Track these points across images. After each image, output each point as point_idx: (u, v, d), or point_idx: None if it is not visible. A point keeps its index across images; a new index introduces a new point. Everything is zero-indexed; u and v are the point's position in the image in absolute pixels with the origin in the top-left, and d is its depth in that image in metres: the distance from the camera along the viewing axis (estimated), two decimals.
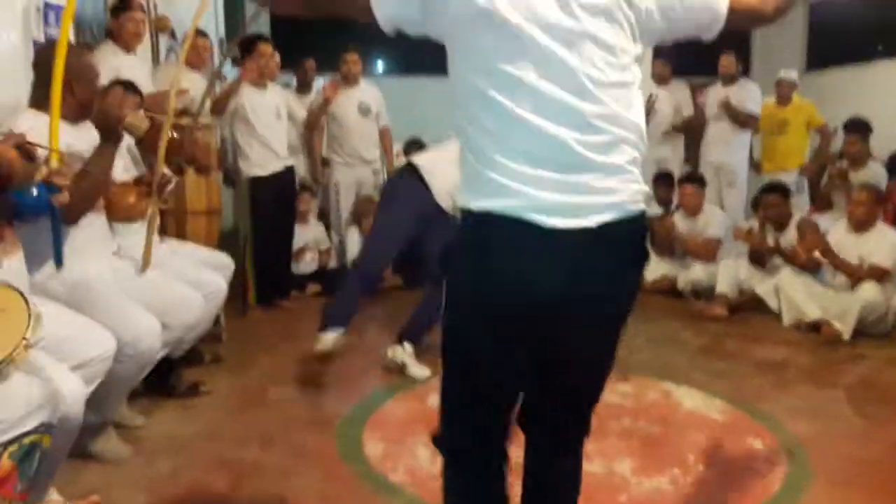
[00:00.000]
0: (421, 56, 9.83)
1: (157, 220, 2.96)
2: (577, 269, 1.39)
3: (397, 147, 5.90)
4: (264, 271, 4.64)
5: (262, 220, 4.60)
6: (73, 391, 1.94)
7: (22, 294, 1.86)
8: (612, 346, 1.55)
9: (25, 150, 2.07)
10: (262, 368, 3.54)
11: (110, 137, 2.49)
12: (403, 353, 3.49)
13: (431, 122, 8.09)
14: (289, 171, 4.75)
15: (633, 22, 1.41)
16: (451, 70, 1.46)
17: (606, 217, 1.39)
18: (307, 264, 5.15)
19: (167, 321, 2.67)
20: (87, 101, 2.68)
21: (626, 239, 1.45)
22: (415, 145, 5.90)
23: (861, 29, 8.17)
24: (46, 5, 3.30)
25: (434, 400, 3.11)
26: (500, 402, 1.53)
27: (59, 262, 2.30)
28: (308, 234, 5.16)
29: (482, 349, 1.46)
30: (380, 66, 9.98)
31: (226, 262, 3.37)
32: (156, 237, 3.08)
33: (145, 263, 2.81)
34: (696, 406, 3.14)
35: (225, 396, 3.16)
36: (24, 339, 1.75)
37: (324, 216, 5.50)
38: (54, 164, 2.14)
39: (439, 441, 1.58)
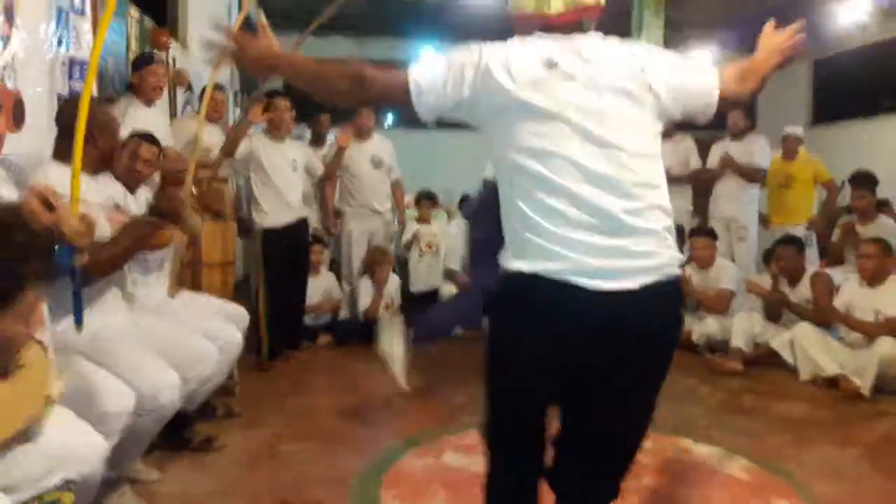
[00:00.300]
0: None
1: (182, 253, 2.98)
2: (618, 329, 1.52)
3: (408, 198, 5.96)
4: (275, 324, 4.61)
5: (274, 272, 4.60)
6: (95, 447, 1.91)
7: (43, 347, 1.84)
8: (648, 401, 1.65)
9: (46, 202, 2.07)
10: (274, 422, 3.49)
11: (172, 219, 2.53)
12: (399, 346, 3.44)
13: (440, 174, 8.28)
14: (302, 223, 4.78)
15: (652, 103, 1.62)
16: (494, 149, 1.64)
17: (647, 279, 1.52)
18: (318, 316, 5.13)
19: (184, 374, 2.64)
20: (108, 152, 2.72)
21: (665, 301, 1.57)
22: (426, 197, 5.98)
23: (865, 84, 8.31)
24: (71, 61, 3.37)
25: (449, 458, 3.09)
26: (532, 434, 1.67)
27: (78, 322, 2.30)
28: (319, 284, 5.16)
29: (520, 388, 1.62)
30: (390, 119, 10.17)
31: (241, 313, 3.36)
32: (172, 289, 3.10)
33: (173, 291, 2.80)
34: (718, 464, 3.08)
35: (238, 451, 3.11)
36: (46, 396, 1.74)
37: (334, 267, 5.51)
38: (74, 222, 2.15)
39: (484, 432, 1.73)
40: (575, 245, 1.51)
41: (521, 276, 1.55)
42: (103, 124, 2.68)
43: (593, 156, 1.54)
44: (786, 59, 1.86)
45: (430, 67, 1.64)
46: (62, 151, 2.56)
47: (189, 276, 3.66)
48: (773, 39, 1.84)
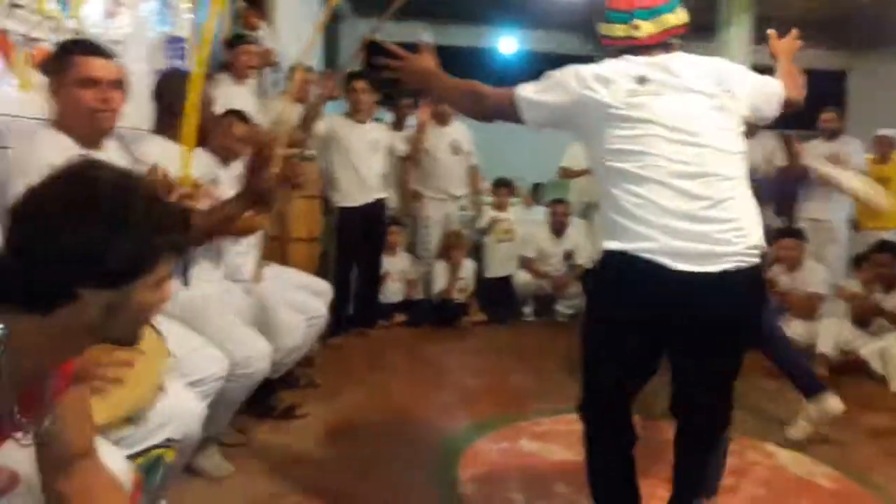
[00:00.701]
0: None
1: (266, 237, 3.04)
2: (697, 306, 1.77)
3: (485, 185, 5.97)
4: (343, 302, 4.64)
5: (349, 250, 4.67)
6: (195, 408, 1.99)
7: (161, 335, 1.92)
8: (737, 347, 1.93)
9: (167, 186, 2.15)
10: (354, 396, 3.56)
11: (261, 203, 2.56)
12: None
13: (516, 162, 8.23)
14: (379, 204, 4.82)
15: (732, 107, 1.88)
16: (591, 151, 1.92)
17: (726, 266, 1.75)
18: (394, 294, 5.20)
19: (272, 343, 2.72)
20: (203, 127, 2.79)
21: (741, 286, 1.79)
22: (503, 184, 5.97)
23: None
24: (171, 39, 3.48)
25: (524, 444, 3.09)
26: (625, 383, 1.93)
27: (186, 282, 2.37)
28: (396, 265, 5.23)
29: (614, 343, 1.87)
30: None
31: (326, 287, 3.43)
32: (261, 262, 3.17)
33: (257, 277, 2.87)
34: (803, 471, 2.98)
35: (319, 421, 3.19)
36: (158, 385, 1.81)
37: (410, 248, 5.56)
38: (186, 188, 2.22)
39: (582, 409, 1.98)
40: (662, 229, 1.75)
41: (615, 254, 1.81)
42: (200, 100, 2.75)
43: (679, 153, 1.78)
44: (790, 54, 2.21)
45: (534, 87, 1.93)
46: (162, 126, 2.64)
47: (277, 251, 3.75)
48: (782, 45, 2.25)
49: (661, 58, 1.87)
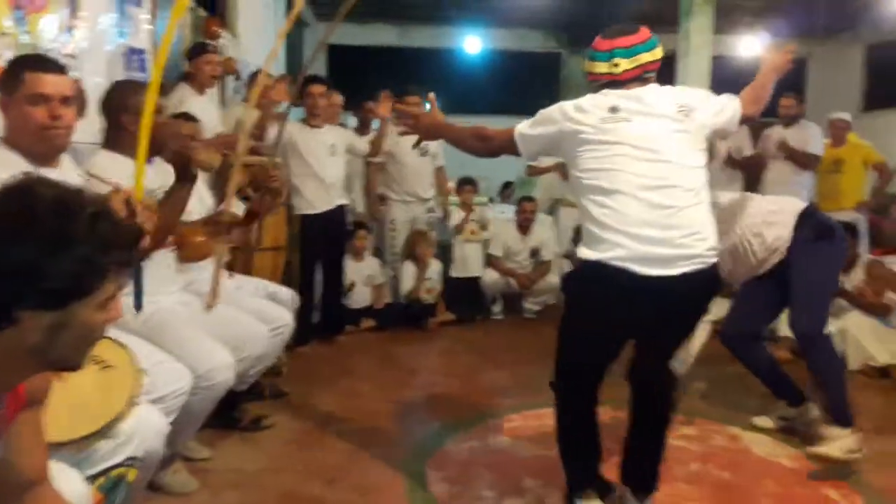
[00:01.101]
0: (473, 97, 10.07)
1: (225, 260, 3.02)
2: (660, 304, 2.07)
3: (450, 185, 5.98)
4: (308, 310, 4.62)
5: (312, 257, 4.65)
6: (157, 425, 1.97)
7: (129, 351, 1.91)
8: (688, 331, 2.33)
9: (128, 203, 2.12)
10: (321, 403, 3.55)
11: (185, 176, 2.54)
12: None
13: (478, 161, 8.25)
14: (340, 210, 4.80)
15: (694, 127, 2.16)
16: (571, 171, 2.22)
17: (686, 268, 2.04)
18: (361, 299, 5.19)
19: (236, 354, 2.70)
20: (156, 137, 2.75)
21: (699, 284, 2.09)
22: (467, 183, 5.98)
23: None
24: (131, 50, 3.46)
25: (494, 441, 3.12)
26: (598, 357, 2.22)
27: (139, 306, 2.36)
28: (363, 269, 5.21)
29: (592, 333, 2.18)
30: (432, 106, 10.15)
31: (290, 296, 3.43)
32: (224, 273, 3.16)
33: (211, 301, 2.85)
34: (767, 452, 3.05)
35: (287, 431, 3.18)
36: (132, 398, 1.81)
37: (377, 253, 5.56)
38: (138, 207, 2.20)
39: (556, 385, 2.28)
40: (630, 236, 2.03)
41: (590, 263, 2.09)
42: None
43: (645, 169, 2.06)
44: (782, 74, 2.51)
45: (528, 123, 2.26)
46: (111, 139, 2.57)
47: (241, 260, 3.73)
48: (773, 58, 2.51)
49: (635, 90, 2.15)
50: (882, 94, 8.89)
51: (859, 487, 2.70)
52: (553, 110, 2.21)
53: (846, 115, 6.06)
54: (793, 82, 8.77)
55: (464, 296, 5.61)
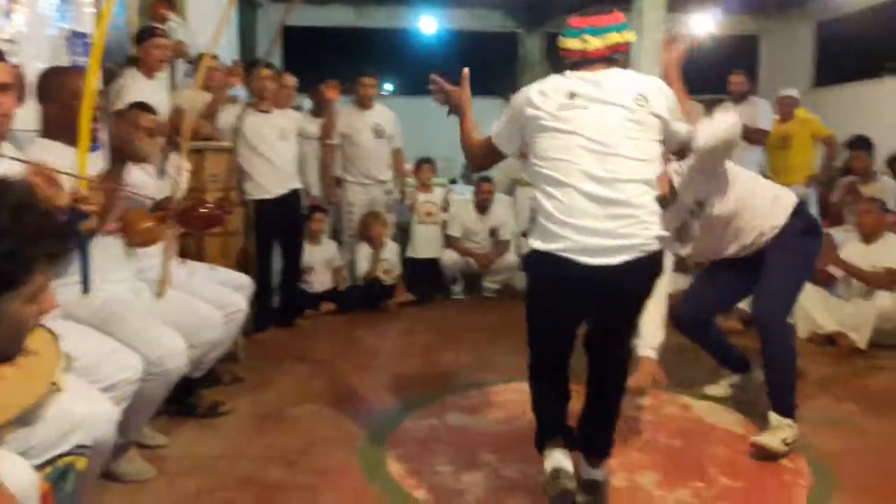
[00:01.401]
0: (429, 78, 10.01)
1: (174, 246, 2.99)
2: (604, 290, 2.15)
3: (408, 166, 5.97)
4: (266, 295, 4.61)
5: (268, 243, 4.62)
6: (106, 413, 1.96)
7: (54, 335, 1.88)
8: (636, 313, 2.32)
9: (48, 177, 2.08)
10: (280, 388, 3.55)
11: (120, 161, 2.50)
12: None
13: (439, 141, 8.23)
14: (294, 194, 4.77)
15: (649, 118, 2.17)
16: (530, 156, 2.25)
17: (628, 256, 2.09)
18: (320, 283, 5.18)
19: (189, 340, 2.68)
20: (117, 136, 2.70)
21: (641, 271, 2.15)
22: (425, 163, 5.99)
23: (868, 46, 8.22)
24: (74, 34, 3.37)
25: (452, 418, 3.16)
26: (556, 338, 2.31)
27: (86, 289, 2.32)
28: (321, 253, 5.19)
29: (547, 316, 2.28)
30: (392, 86, 10.11)
31: (245, 281, 3.40)
32: (175, 260, 3.13)
33: (161, 288, 2.83)
34: (717, 420, 3.14)
35: (245, 416, 3.18)
36: (52, 383, 1.78)
37: (335, 236, 5.54)
38: (83, 190, 2.17)
39: (529, 367, 2.37)
40: (576, 228, 2.09)
41: (539, 253, 2.17)
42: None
43: (595, 160, 2.10)
44: (678, 65, 2.58)
45: (499, 122, 2.35)
46: (49, 127, 2.50)
47: (193, 246, 3.69)
48: (665, 55, 2.63)
49: (596, 74, 2.19)
50: (832, 70, 9.07)
51: (803, 450, 2.79)
52: (518, 97, 2.27)
53: (794, 92, 6.19)
54: (745, 60, 8.95)
55: (423, 277, 5.63)
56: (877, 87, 8.07)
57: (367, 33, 10.11)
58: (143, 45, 4.12)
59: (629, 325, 2.35)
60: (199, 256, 3.66)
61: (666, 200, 2.77)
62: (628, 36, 2.25)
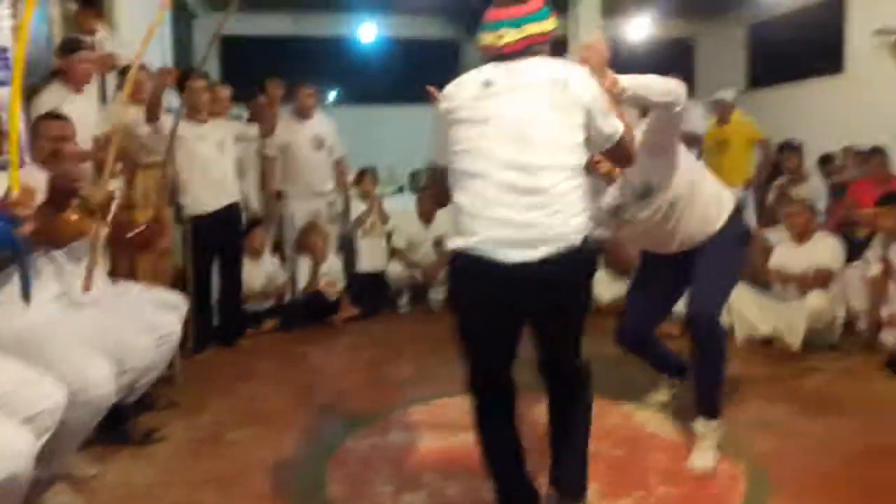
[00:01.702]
0: (373, 87, 9.97)
1: (101, 239, 2.87)
2: (526, 289, 1.99)
3: (350, 177, 5.90)
4: (205, 314, 4.51)
5: (205, 260, 4.50)
6: (19, 446, 1.87)
7: None
8: (573, 318, 2.15)
9: None
10: (217, 411, 3.46)
11: (60, 204, 2.43)
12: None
13: (385, 150, 8.20)
14: (232, 208, 4.65)
15: (570, 105, 2.03)
16: (449, 155, 2.11)
17: (549, 249, 1.95)
18: (262, 299, 5.07)
19: (119, 366, 2.59)
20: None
21: (565, 265, 1.99)
22: (368, 173, 5.92)
23: (799, 48, 8.48)
24: None
25: (394, 436, 3.12)
26: (488, 347, 2.16)
27: (27, 298, 2.22)
28: (262, 269, 5.07)
29: (474, 325, 2.13)
30: (333, 95, 10.01)
31: (179, 301, 3.29)
32: (105, 277, 3.02)
33: (87, 284, 2.70)
34: (658, 427, 3.16)
35: (180, 441, 3.08)
36: None
37: (278, 250, 5.43)
38: (14, 195, 2.09)
39: (468, 385, 2.21)
40: (490, 221, 1.97)
41: (456, 252, 2.05)
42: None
43: (510, 149, 1.98)
44: (601, 66, 2.31)
45: (431, 143, 2.23)
46: None
47: (125, 266, 3.57)
48: (587, 56, 2.31)
49: (518, 63, 2.06)
50: (765, 73, 9.32)
51: (740, 454, 2.83)
52: (442, 103, 2.15)
53: (728, 95, 6.32)
54: (680, 63, 9.13)
55: (369, 290, 5.56)
56: (808, 88, 8.32)
57: (305, 42, 10.00)
58: (67, 58, 3.97)
59: (571, 334, 2.17)
60: (131, 275, 3.54)
61: (611, 176, 2.77)
62: (548, 25, 2.11)
